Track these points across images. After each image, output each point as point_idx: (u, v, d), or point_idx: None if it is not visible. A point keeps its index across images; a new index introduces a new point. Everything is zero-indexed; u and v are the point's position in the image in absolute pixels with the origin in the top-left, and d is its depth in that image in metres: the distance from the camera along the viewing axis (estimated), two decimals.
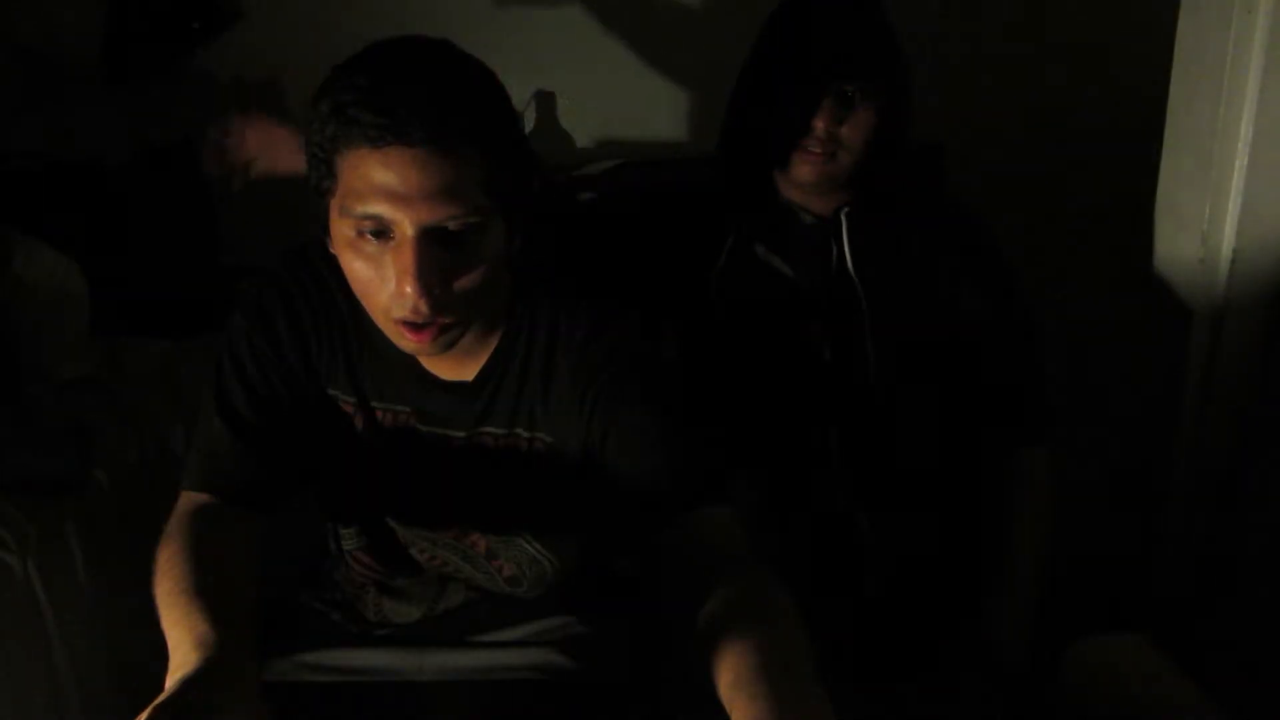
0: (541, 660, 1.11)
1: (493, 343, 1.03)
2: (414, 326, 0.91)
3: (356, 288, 0.94)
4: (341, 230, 0.91)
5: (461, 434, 1.05)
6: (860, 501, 1.34)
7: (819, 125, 1.25)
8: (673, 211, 1.40)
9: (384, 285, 0.90)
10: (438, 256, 0.88)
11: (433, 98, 0.86)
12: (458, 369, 1.03)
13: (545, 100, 2.08)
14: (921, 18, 1.97)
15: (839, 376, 1.34)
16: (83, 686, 1.42)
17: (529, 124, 2.07)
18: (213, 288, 1.97)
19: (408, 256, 0.87)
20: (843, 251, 1.34)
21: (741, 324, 1.34)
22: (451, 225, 0.88)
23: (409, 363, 1.03)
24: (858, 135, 1.27)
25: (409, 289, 0.88)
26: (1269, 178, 1.52)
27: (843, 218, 1.33)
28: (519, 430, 1.04)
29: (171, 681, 0.78)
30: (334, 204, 0.91)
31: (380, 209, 0.87)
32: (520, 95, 2.07)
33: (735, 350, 1.34)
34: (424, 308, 0.89)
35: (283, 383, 1.03)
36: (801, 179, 1.30)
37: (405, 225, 0.87)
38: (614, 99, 2.06)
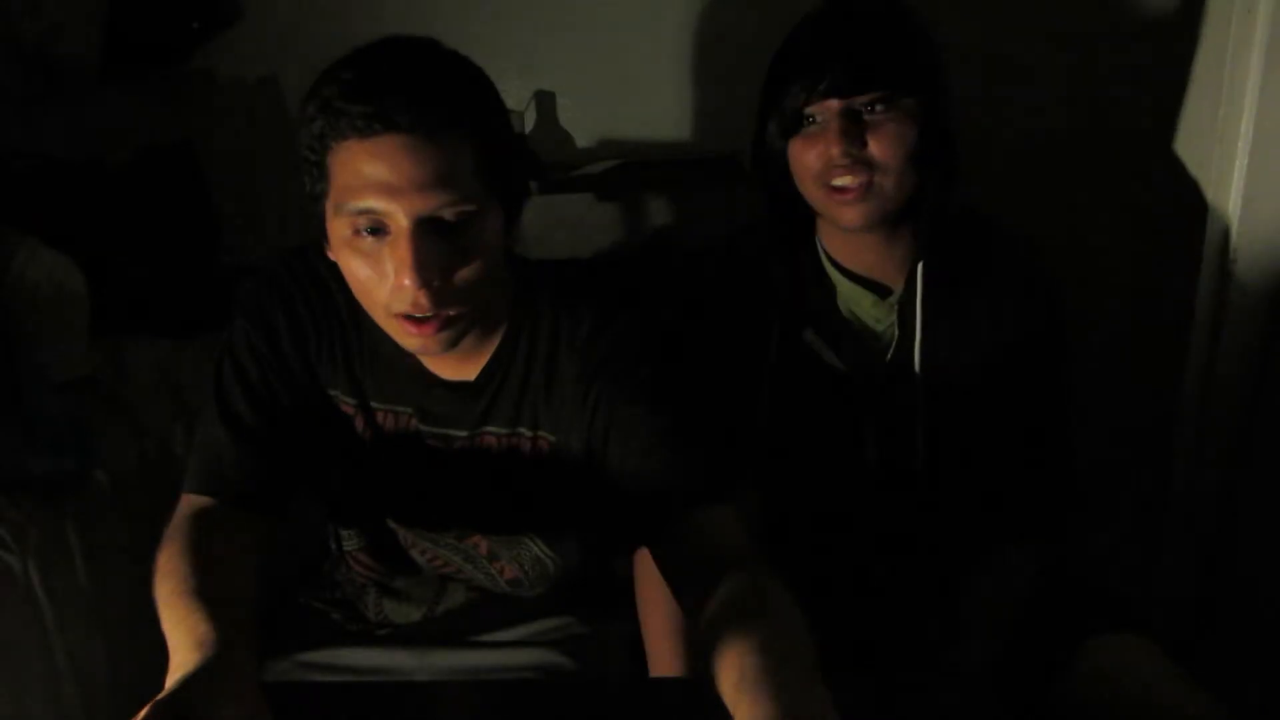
0: (541, 660, 1.11)
1: (495, 341, 1.03)
2: (416, 321, 0.91)
3: (356, 288, 0.93)
4: (338, 230, 0.91)
5: (463, 434, 1.05)
6: (885, 563, 1.30)
7: (834, 151, 1.12)
8: (718, 292, 1.28)
9: (383, 282, 0.90)
10: (435, 248, 0.88)
11: (418, 84, 0.86)
12: (460, 368, 1.03)
13: (545, 100, 2.08)
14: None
15: (883, 472, 1.25)
16: (83, 686, 1.42)
17: (529, 124, 2.07)
18: (213, 288, 1.97)
19: (404, 249, 0.87)
20: (904, 344, 1.22)
21: (786, 415, 1.25)
22: (447, 215, 0.88)
23: (410, 363, 1.03)
24: (890, 150, 1.12)
25: (407, 282, 0.87)
26: (1269, 178, 1.52)
27: (918, 309, 1.20)
28: (522, 430, 1.04)
29: (171, 681, 0.78)
30: (329, 205, 0.90)
31: (373, 202, 0.86)
32: (520, 95, 2.07)
33: (779, 438, 1.26)
34: (424, 300, 0.89)
35: (283, 384, 1.03)
36: (848, 223, 1.15)
37: (400, 217, 0.87)
38: (614, 99, 2.06)
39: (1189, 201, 1.65)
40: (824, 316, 1.24)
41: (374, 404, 1.06)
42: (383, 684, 1.08)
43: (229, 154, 2.10)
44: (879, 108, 1.12)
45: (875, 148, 1.12)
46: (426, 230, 0.87)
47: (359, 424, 1.07)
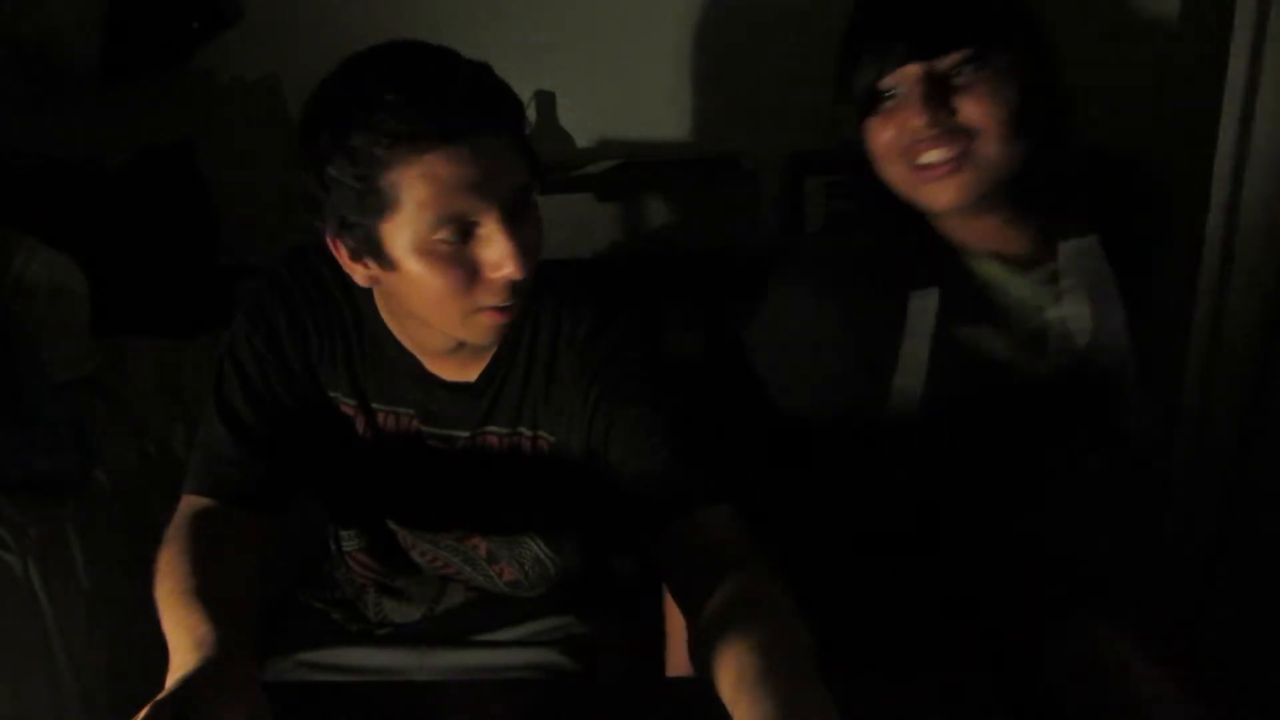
0: (541, 660, 1.11)
1: (496, 342, 1.03)
2: (501, 310, 0.93)
3: (430, 298, 0.92)
4: (412, 244, 0.89)
5: (465, 434, 1.05)
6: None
7: (918, 123, 0.98)
8: (835, 294, 1.11)
9: (470, 282, 0.90)
10: (519, 233, 0.90)
11: (467, 86, 0.88)
12: (462, 369, 1.04)
13: (545, 100, 2.08)
14: None
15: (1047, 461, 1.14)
16: (83, 686, 1.42)
17: (529, 124, 2.07)
18: (213, 288, 1.97)
19: (504, 240, 0.88)
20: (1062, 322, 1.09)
21: (941, 417, 1.09)
22: (519, 200, 0.91)
23: (412, 364, 1.03)
24: (988, 114, 0.97)
25: (509, 269, 0.89)
26: (1269, 178, 1.52)
27: (1071, 282, 1.07)
28: (522, 429, 1.04)
29: (171, 682, 0.78)
30: (393, 223, 0.89)
31: (464, 205, 0.87)
32: (520, 95, 2.07)
33: (933, 442, 1.11)
34: (523, 284, 0.91)
35: (284, 385, 1.03)
36: (943, 204, 1.01)
37: (490, 212, 0.88)
38: (614, 99, 2.06)
39: (1189, 201, 1.65)
40: (970, 304, 1.08)
41: (375, 405, 1.07)
42: (383, 684, 1.08)
43: (229, 154, 2.11)
44: (968, 69, 0.98)
45: (968, 113, 0.98)
46: (511, 219, 0.90)
47: (360, 425, 1.07)
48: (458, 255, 0.89)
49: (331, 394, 1.06)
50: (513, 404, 1.04)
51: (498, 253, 0.89)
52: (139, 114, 2.06)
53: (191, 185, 2.06)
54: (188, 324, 1.88)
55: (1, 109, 1.94)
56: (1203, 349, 1.63)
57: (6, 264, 1.54)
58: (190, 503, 1.00)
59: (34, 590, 1.37)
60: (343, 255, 0.94)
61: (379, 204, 0.88)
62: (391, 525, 1.14)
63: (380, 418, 1.07)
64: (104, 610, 1.46)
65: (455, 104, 0.86)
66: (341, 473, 1.11)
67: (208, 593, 0.87)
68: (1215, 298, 1.59)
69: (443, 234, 0.88)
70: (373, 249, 0.91)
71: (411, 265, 0.90)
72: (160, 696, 0.73)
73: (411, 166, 0.86)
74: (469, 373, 1.04)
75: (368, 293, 1.02)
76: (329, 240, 0.94)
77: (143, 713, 0.71)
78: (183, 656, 0.80)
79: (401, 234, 0.89)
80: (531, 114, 2.09)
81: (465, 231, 0.89)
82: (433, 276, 0.90)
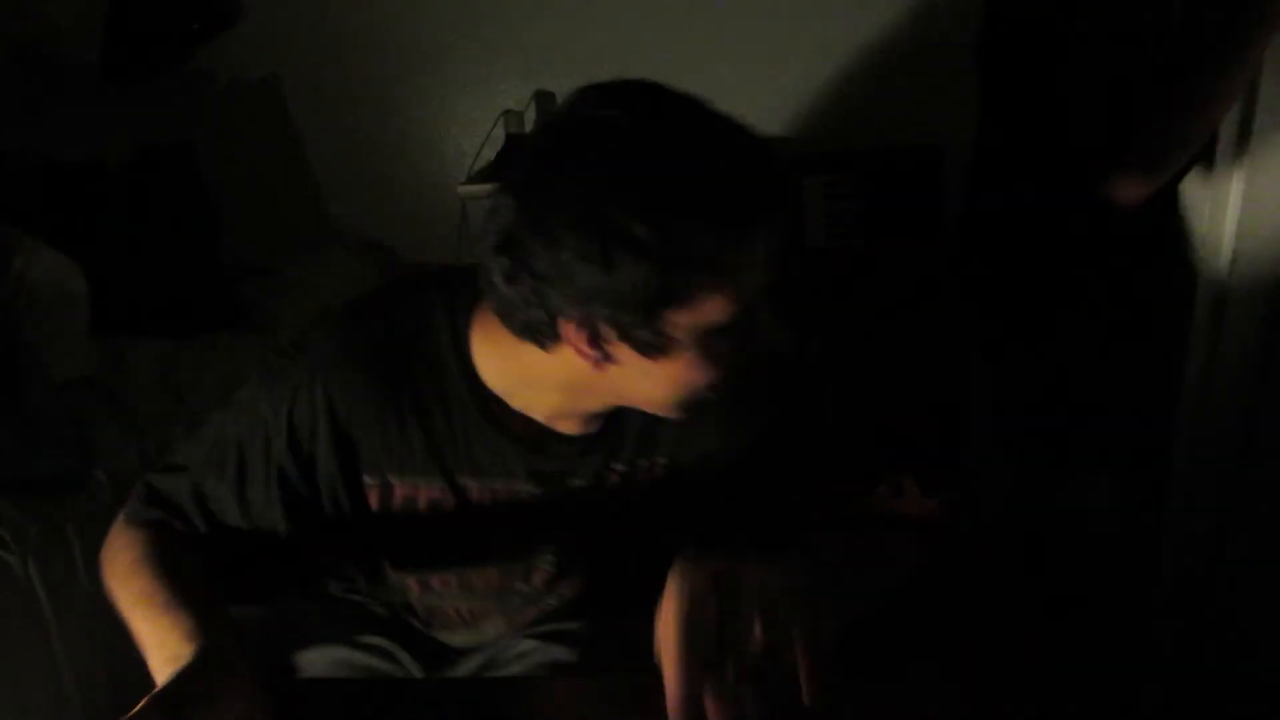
0: (545, 657, 1.11)
1: None
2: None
3: (682, 390, 0.88)
4: (692, 360, 0.85)
5: (584, 483, 1.00)
6: None
7: None
8: None
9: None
10: None
11: (778, 195, 0.84)
12: (586, 424, 0.98)
13: (545, 100, 2.08)
14: (923, 20, 1.97)
15: None
16: (83, 685, 1.42)
17: (529, 124, 2.07)
18: (213, 288, 1.97)
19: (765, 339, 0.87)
20: None
21: None
22: None
23: (527, 427, 0.97)
24: None
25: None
26: (1269, 178, 1.52)
27: None
28: (640, 461, 1.01)
29: (163, 676, 0.77)
30: (676, 357, 0.84)
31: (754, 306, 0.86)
32: (520, 95, 2.07)
33: None
34: None
35: (304, 480, 0.95)
36: None
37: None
38: None
39: (1189, 202, 1.65)
40: None
41: (465, 481, 0.99)
42: (383, 682, 1.08)
43: (229, 154, 2.11)
44: None
45: None
46: None
47: (446, 502, 1.00)
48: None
49: (391, 478, 0.98)
50: (633, 437, 1.00)
51: (759, 347, 0.88)
52: (139, 114, 2.06)
53: (191, 185, 2.06)
54: (188, 324, 1.88)
55: (1, 109, 1.95)
56: (1203, 349, 1.63)
57: (6, 264, 1.55)
58: (132, 533, 0.96)
59: (34, 590, 1.37)
60: (578, 340, 0.84)
61: (659, 337, 0.83)
62: (432, 594, 1.07)
63: (473, 492, 0.99)
64: (104, 610, 1.46)
65: (761, 236, 0.81)
66: (378, 554, 1.04)
67: (187, 589, 0.85)
68: (1215, 298, 1.59)
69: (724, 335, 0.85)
70: (641, 338, 0.83)
71: (685, 376, 0.86)
72: (158, 690, 0.73)
73: (712, 297, 0.81)
74: (593, 425, 0.99)
75: (465, 365, 0.94)
76: (562, 325, 0.83)
77: (138, 707, 0.70)
78: (172, 650, 0.79)
79: (682, 356, 0.85)
80: (531, 114, 2.10)
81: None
82: (697, 379, 0.87)
